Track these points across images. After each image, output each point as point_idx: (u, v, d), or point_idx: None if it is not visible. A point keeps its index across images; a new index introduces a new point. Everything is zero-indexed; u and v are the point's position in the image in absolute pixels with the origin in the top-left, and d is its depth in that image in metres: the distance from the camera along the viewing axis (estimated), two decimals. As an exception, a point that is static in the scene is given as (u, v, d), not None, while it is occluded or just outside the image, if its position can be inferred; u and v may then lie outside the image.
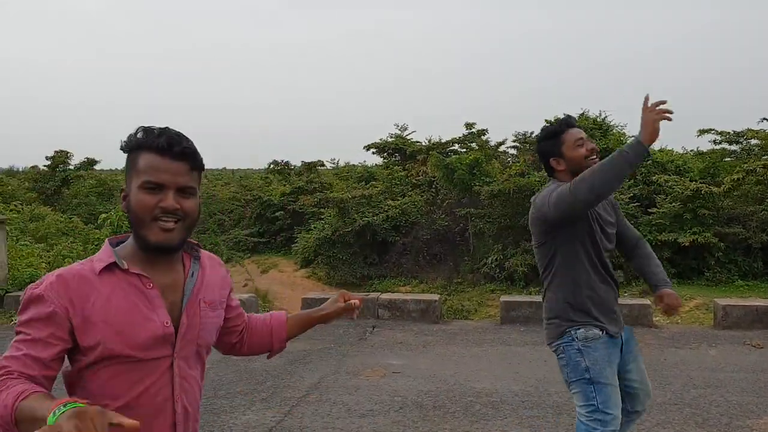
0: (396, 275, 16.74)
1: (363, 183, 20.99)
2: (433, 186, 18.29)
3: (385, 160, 24.67)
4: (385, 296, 7.81)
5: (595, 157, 2.82)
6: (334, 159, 29.80)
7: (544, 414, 4.48)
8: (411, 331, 6.95)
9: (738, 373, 5.37)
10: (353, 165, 28.43)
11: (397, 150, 24.17)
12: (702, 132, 17.18)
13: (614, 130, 18.00)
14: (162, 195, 1.49)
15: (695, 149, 19.91)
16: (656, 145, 19.01)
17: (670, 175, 15.06)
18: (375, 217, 16.70)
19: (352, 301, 1.90)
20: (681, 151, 19.44)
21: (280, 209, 20.92)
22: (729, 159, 16.98)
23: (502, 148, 21.61)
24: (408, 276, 16.52)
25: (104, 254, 1.54)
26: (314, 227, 18.20)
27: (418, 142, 24.24)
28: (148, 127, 1.54)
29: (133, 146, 1.53)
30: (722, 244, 13.24)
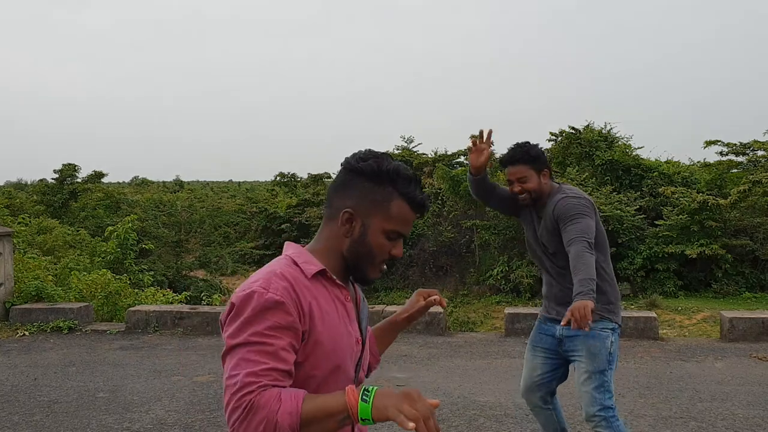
0: (402, 287, 16.75)
1: (369, 195, 21.03)
2: (440, 198, 18.30)
3: (392, 172, 24.76)
4: (390, 309, 7.79)
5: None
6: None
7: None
8: (416, 344, 6.93)
9: (744, 386, 5.32)
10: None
11: (404, 162, 24.24)
12: (709, 143, 17.15)
13: (620, 142, 17.96)
14: (396, 243, 1.51)
15: (702, 161, 19.88)
16: (663, 157, 19.03)
17: (676, 186, 15.04)
18: (381, 229, 16.77)
19: (432, 298, 1.79)
20: (688, 163, 19.43)
21: (286, 221, 20.99)
22: (736, 170, 16.95)
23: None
24: (414, 288, 16.50)
25: (306, 257, 1.49)
26: (320, 239, 18.28)
27: (424, 154, 24.35)
28: (403, 169, 1.50)
29: (387, 181, 1.48)
30: (729, 256, 13.20)
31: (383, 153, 1.51)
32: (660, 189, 14.96)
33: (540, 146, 3.21)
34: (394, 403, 1.22)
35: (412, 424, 1.20)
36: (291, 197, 23.12)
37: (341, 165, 1.54)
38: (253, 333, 1.33)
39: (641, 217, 14.48)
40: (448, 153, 23.84)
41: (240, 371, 1.31)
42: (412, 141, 24.78)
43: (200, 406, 5.02)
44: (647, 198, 15.30)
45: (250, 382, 1.29)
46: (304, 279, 1.44)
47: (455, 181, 16.30)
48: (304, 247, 1.54)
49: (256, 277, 1.42)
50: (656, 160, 17.74)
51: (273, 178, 26.95)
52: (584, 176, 16.26)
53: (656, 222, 14.20)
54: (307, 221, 19.91)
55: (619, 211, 14.28)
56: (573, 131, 18.20)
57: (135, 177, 62.80)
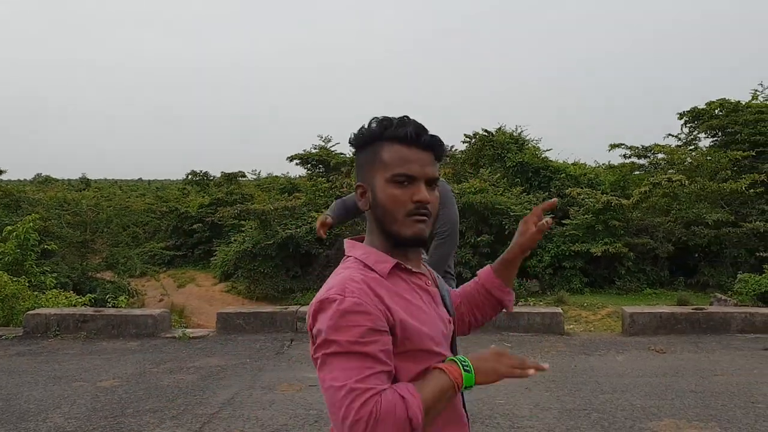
0: (319, 288, 16.60)
1: (286, 194, 20.80)
2: (356, 198, 18.33)
3: (309, 172, 24.57)
4: (304, 309, 7.72)
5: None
6: (256, 170, 29.46)
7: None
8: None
9: (642, 377, 5.58)
10: (276, 176, 28.18)
11: (321, 161, 24.13)
12: (613, 146, 17.99)
13: (530, 145, 18.56)
14: (414, 188, 1.42)
15: (607, 163, 20.81)
16: (570, 159, 19.78)
17: (582, 187, 15.65)
18: (298, 230, 16.56)
19: (543, 221, 1.68)
20: (593, 165, 20.29)
21: (198, 221, 20.47)
22: (638, 172, 17.83)
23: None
24: (331, 288, 16.46)
25: (375, 256, 1.44)
26: (234, 240, 17.88)
27: (342, 153, 24.30)
28: (385, 117, 1.45)
29: (369, 139, 1.45)
30: (632, 254, 13.85)
31: (372, 118, 1.47)
32: (567, 190, 15.52)
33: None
34: (494, 364, 1.38)
35: (532, 371, 1.42)
36: (203, 196, 22.55)
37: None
38: (346, 341, 1.28)
39: (549, 216, 14.96)
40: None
41: (345, 381, 1.25)
42: (329, 140, 24.69)
43: (103, 413, 4.81)
44: (555, 198, 15.87)
45: (362, 390, 1.24)
46: (380, 278, 1.40)
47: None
48: (362, 242, 1.51)
49: (330, 285, 1.37)
50: (564, 162, 18.42)
51: (185, 177, 26.21)
52: (496, 177, 16.67)
53: (563, 221, 14.72)
54: (219, 221, 19.43)
55: (528, 211, 14.57)
56: (486, 133, 18.64)
57: (38, 174, 59.72)
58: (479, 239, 14.50)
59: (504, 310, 1.79)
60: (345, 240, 1.54)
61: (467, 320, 1.78)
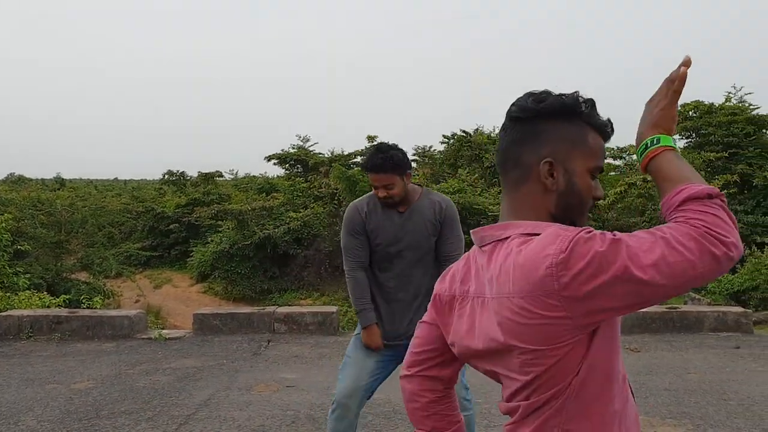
0: (297, 288, 16.58)
1: (263, 195, 20.71)
2: (336, 198, 18.28)
3: (287, 172, 24.49)
4: (282, 310, 7.69)
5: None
6: (233, 170, 29.26)
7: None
8: (307, 344, 6.87)
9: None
10: (254, 176, 28.02)
11: (299, 161, 24.06)
12: (588, 147, 18.14)
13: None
14: (596, 183, 1.31)
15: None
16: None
17: (559, 188, 15.78)
18: (276, 230, 16.49)
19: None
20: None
21: (175, 222, 20.28)
22: (613, 173, 18.01)
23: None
24: (310, 289, 16.39)
25: (540, 226, 1.22)
26: (211, 240, 17.75)
27: (320, 153, 24.24)
28: (590, 99, 1.29)
29: (575, 116, 1.28)
30: (607, 253, 14.00)
31: (545, 90, 1.30)
32: (544, 190, 15.65)
33: (402, 150, 3.14)
34: (658, 110, 1.22)
35: (684, 68, 1.21)
36: (180, 196, 22.34)
37: (512, 116, 1.31)
38: (624, 242, 1.07)
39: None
40: (345, 153, 23.88)
41: (654, 241, 1.06)
42: (308, 140, 24.61)
43: (77, 415, 4.75)
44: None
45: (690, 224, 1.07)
46: None
47: (352, 181, 16.33)
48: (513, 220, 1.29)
49: (552, 237, 1.13)
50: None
51: (161, 177, 25.95)
52: (474, 177, 16.76)
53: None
54: (196, 221, 19.28)
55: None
56: (464, 134, 18.75)
57: (10, 174, 58.72)
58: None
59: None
60: (486, 227, 1.33)
61: None
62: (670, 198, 1.14)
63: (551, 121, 1.28)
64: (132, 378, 5.70)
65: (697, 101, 17.19)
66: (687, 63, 1.23)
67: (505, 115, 1.34)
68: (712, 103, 16.86)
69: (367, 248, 3.23)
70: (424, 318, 1.50)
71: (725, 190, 13.89)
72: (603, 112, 1.32)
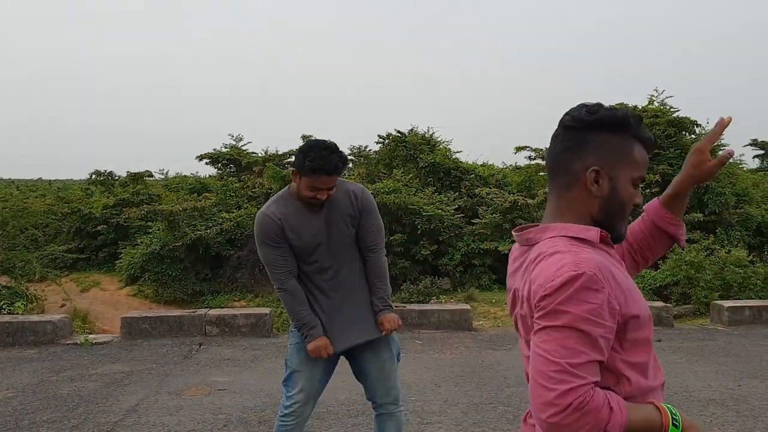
0: (230, 290, 16.30)
1: (195, 195, 20.26)
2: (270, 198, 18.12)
3: (220, 171, 24.07)
4: (213, 312, 7.56)
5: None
6: (164, 169, 28.57)
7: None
8: (240, 347, 6.78)
9: (546, 370, 5.80)
10: (185, 176, 27.41)
11: (232, 161, 23.68)
12: (518, 149, 18.65)
13: (441, 146, 18.95)
14: (637, 191, 1.43)
15: (513, 164, 21.52)
16: (479, 160, 20.30)
17: (491, 187, 16.10)
18: (208, 231, 16.17)
19: (725, 153, 1.57)
20: (501, 166, 20.93)
21: (103, 223, 19.62)
22: (543, 173, 18.50)
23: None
24: (243, 291, 16.15)
25: (576, 228, 1.38)
26: (141, 242, 17.28)
27: (254, 153, 23.93)
28: (637, 114, 1.42)
29: (624, 130, 1.40)
30: (537, 251, 14.37)
31: (598, 102, 1.42)
32: (476, 190, 15.93)
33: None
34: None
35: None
36: (108, 197, 21.61)
37: (564, 125, 1.43)
38: (575, 315, 1.22)
39: (460, 216, 15.30)
40: (279, 152, 23.66)
41: (560, 359, 1.21)
42: (241, 139, 24.25)
43: (-5, 426, 4.55)
44: (465, 198, 16.22)
45: (575, 375, 1.20)
46: (604, 251, 1.38)
47: (286, 181, 16.20)
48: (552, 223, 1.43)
49: (561, 263, 1.27)
50: (473, 163, 18.91)
51: (88, 177, 25.06)
52: (409, 177, 16.89)
53: (473, 221, 15.08)
54: (125, 222, 18.72)
55: (440, 211, 14.98)
56: (399, 134, 18.86)
57: (-77, 174, 55.61)
58: (392, 238, 14.64)
59: (676, 244, 1.75)
60: (531, 229, 1.47)
61: (637, 260, 1.76)
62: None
63: (601, 133, 1.39)
64: (55, 385, 5.50)
65: (622, 104, 17.80)
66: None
67: (557, 123, 1.46)
68: (636, 106, 17.50)
69: (292, 255, 2.98)
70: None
71: (648, 190, 14.45)
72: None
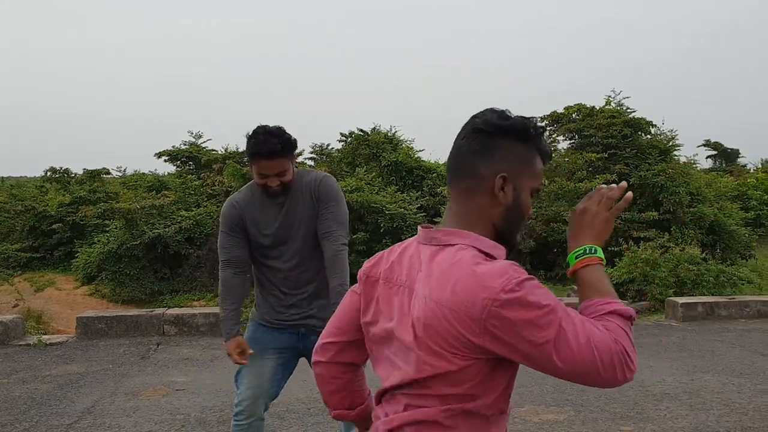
0: (190, 289, 16.04)
1: (154, 193, 19.89)
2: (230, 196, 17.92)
3: (179, 169, 23.71)
4: (172, 311, 7.46)
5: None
6: (121, 167, 28.02)
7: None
8: (198, 346, 6.70)
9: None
10: (143, 173, 26.92)
11: (191, 158, 23.35)
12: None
13: (404, 145, 19.01)
14: (531, 203, 1.44)
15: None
16: (441, 160, 20.41)
17: (452, 186, 16.18)
18: (167, 229, 15.87)
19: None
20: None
21: (58, 221, 19.11)
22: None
23: (300, 159, 21.75)
24: (203, 290, 15.91)
25: (486, 242, 1.36)
26: (98, 240, 16.90)
27: (213, 150, 23.61)
28: (540, 126, 1.41)
29: (530, 140, 1.39)
30: (498, 250, 14.51)
31: (505, 109, 1.41)
32: (438, 189, 16.01)
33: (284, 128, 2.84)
34: (594, 222, 1.40)
35: (624, 183, 1.46)
36: (64, 195, 21.08)
37: (474, 128, 1.39)
38: (555, 312, 1.24)
39: (422, 214, 15.37)
40: (240, 150, 23.41)
41: (588, 336, 1.23)
42: (200, 137, 23.90)
43: (-58, 430, 4.41)
44: (427, 197, 16.29)
45: (605, 339, 1.24)
46: None
47: (246, 179, 16.04)
48: (461, 229, 1.37)
49: (500, 271, 1.24)
50: (435, 162, 18.98)
51: (43, 174, 24.42)
52: (372, 176, 16.88)
53: (435, 219, 15.14)
54: (82, 221, 18.30)
55: (402, 209, 15.01)
56: (362, 133, 18.83)
57: None
58: (355, 237, 14.64)
59: None
60: (438, 229, 1.41)
61: None
62: (598, 304, 1.31)
63: (510, 140, 1.38)
64: (6, 388, 5.36)
65: (580, 104, 18.08)
66: (624, 186, 1.46)
67: (465, 124, 1.42)
68: (594, 106, 17.79)
69: (243, 246, 2.94)
70: (353, 288, 1.57)
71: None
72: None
